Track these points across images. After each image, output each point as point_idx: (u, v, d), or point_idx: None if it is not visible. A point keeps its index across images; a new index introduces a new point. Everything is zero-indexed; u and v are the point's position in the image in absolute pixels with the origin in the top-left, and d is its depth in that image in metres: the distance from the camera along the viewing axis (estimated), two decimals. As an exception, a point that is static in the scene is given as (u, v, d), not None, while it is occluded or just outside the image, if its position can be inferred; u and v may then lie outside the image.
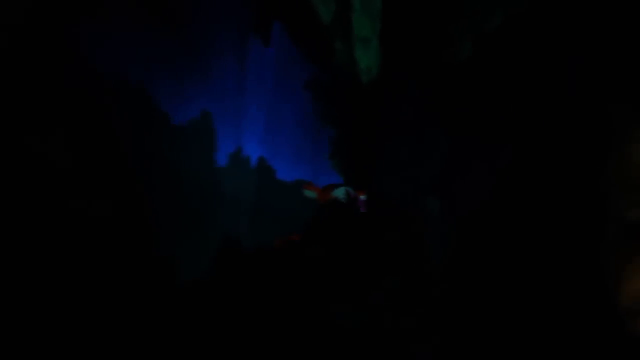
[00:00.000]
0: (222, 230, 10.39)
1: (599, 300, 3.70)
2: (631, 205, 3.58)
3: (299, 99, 13.38)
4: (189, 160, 8.53)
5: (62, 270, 4.30)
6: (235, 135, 13.05)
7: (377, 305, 4.91)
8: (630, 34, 4.11)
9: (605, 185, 4.00)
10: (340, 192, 6.55)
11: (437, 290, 5.11)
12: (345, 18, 7.21)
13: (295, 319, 5.21)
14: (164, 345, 4.96)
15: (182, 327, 5.26)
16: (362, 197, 6.40)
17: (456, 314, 4.88)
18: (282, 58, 13.43)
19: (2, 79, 3.81)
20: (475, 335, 4.63)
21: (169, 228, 7.58)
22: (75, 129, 4.63)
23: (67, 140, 4.52)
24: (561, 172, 4.30)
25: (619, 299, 3.47)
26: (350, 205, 6.50)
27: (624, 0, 4.05)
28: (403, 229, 5.73)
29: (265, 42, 13.70)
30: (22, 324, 3.89)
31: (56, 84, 4.46)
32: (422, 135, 6.15)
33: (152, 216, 6.04)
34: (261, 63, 14.03)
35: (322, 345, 4.82)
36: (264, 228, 12.39)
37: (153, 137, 6.69)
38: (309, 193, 7.03)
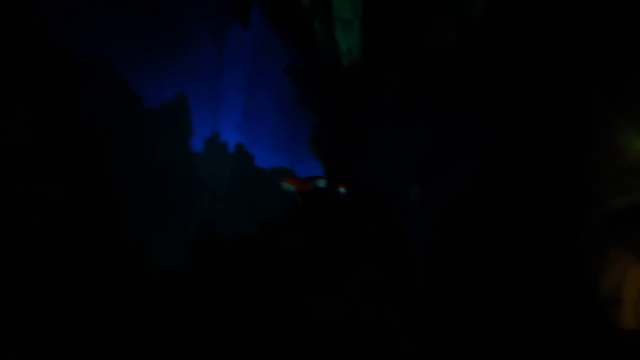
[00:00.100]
0: (198, 218, 10.18)
1: (581, 289, 3.68)
2: (613, 194, 3.49)
3: (278, 83, 13.13)
4: (164, 145, 8.28)
5: (17, 256, 4.05)
6: (212, 121, 12.74)
7: (358, 298, 4.83)
8: (612, 28, 4.06)
9: (589, 174, 3.91)
10: (320, 184, 6.43)
11: (419, 281, 5.07)
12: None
13: (273, 310, 5.08)
14: (135, 336, 4.77)
15: (155, 318, 5.07)
16: (342, 189, 6.29)
17: (439, 306, 4.85)
18: (261, 42, 13.10)
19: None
20: (457, 325, 4.61)
21: (141, 215, 7.35)
22: (37, 108, 4.35)
23: (27, 118, 4.24)
24: (545, 161, 4.28)
25: (599, 287, 3.38)
26: (330, 196, 6.38)
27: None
28: (384, 218, 5.65)
29: (244, 25, 13.31)
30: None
31: (17, 60, 4.17)
32: (405, 121, 6.05)
33: (122, 202, 5.81)
34: (240, 47, 13.68)
35: (301, 338, 4.72)
36: (242, 215, 12.17)
37: (124, 119, 6.44)
38: (287, 185, 6.88)
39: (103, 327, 4.79)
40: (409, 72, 6.09)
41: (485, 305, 4.59)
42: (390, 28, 6.24)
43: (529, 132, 4.49)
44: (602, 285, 3.49)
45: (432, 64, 5.70)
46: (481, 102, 5.16)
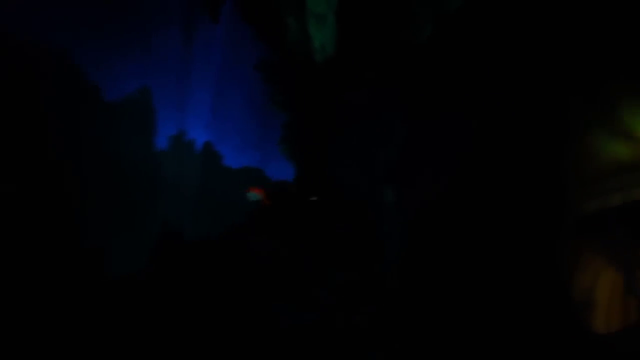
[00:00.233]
0: (161, 220, 9.86)
1: (555, 293, 3.66)
2: (586, 198, 3.45)
3: (248, 80, 12.89)
4: (125, 142, 7.92)
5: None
6: (178, 117, 12.36)
7: (328, 304, 4.71)
8: (588, 29, 4.08)
9: (564, 178, 3.88)
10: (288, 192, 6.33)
11: (394, 286, 4.98)
12: (300, -8, 6.84)
13: (236, 318, 4.91)
14: (85, 343, 4.52)
15: (110, 325, 4.83)
16: (313, 198, 6.19)
17: (411, 311, 4.78)
18: (232, 37, 12.82)
19: None
20: (432, 330, 4.56)
21: (98, 216, 6.99)
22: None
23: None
24: (521, 163, 4.27)
25: (572, 292, 3.31)
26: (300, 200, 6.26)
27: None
28: (357, 220, 5.55)
29: (215, 19, 13.00)
30: None
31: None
32: (380, 120, 5.97)
33: (77, 202, 5.48)
34: (209, 42, 13.35)
35: (265, 348, 4.56)
36: (209, 217, 11.89)
37: (81, 114, 6.09)
38: (253, 196, 6.74)
39: (44, 332, 4.49)
40: (385, 70, 6.02)
41: (460, 310, 4.55)
42: (365, 23, 6.16)
43: (505, 133, 4.47)
44: (575, 289, 3.47)
45: (408, 62, 5.64)
46: (457, 102, 5.13)
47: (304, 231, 5.38)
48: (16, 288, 4.44)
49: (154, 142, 11.54)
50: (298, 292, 4.87)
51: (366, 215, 5.48)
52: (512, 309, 4.15)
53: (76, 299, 5.00)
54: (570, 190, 3.57)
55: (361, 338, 4.49)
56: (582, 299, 3.45)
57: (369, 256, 5.19)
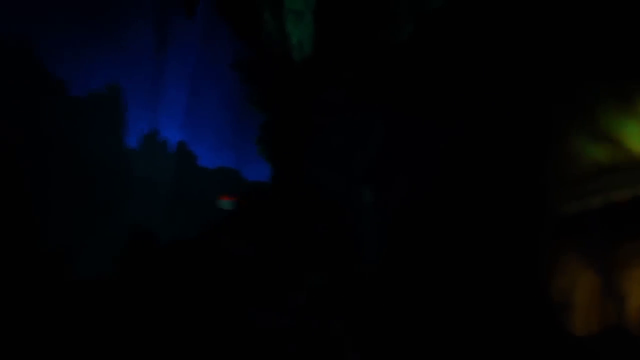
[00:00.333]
0: (132, 221, 9.55)
1: (534, 294, 3.64)
2: (566, 200, 3.41)
3: (225, 79, 12.70)
4: (92, 139, 7.61)
5: None
6: (151, 115, 12.10)
7: (303, 308, 4.57)
8: (569, 32, 4.08)
9: (544, 180, 3.84)
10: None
11: (371, 288, 4.89)
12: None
13: (209, 324, 4.72)
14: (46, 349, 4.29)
15: (69, 330, 4.59)
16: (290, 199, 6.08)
17: (390, 313, 4.70)
18: (208, 34, 12.61)
19: None
20: (410, 332, 4.49)
21: (64, 217, 6.69)
22: None
23: None
24: (502, 165, 4.25)
25: (551, 293, 3.26)
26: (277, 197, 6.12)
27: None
28: (334, 221, 5.44)
29: (190, 14, 12.76)
30: None
31: None
32: (358, 120, 5.89)
33: (37, 202, 5.20)
34: (185, 39, 13.11)
35: (239, 355, 4.40)
36: (183, 218, 11.61)
37: (44, 109, 5.79)
38: (226, 204, 6.58)
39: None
40: (363, 70, 5.94)
41: (440, 310, 4.51)
42: (344, 22, 6.07)
43: (486, 134, 4.45)
44: (554, 290, 3.46)
45: (387, 62, 5.57)
46: (437, 103, 5.09)
47: (280, 232, 5.23)
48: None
49: (124, 140, 11.20)
50: (274, 295, 4.72)
51: (344, 216, 5.38)
52: (491, 309, 4.13)
53: (31, 304, 4.73)
54: (551, 191, 3.56)
55: (338, 342, 4.37)
56: (561, 300, 3.45)
57: (346, 257, 5.08)
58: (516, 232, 4.13)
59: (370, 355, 4.55)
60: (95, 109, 8.01)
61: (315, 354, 4.53)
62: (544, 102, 4.08)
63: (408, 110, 5.34)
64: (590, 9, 3.94)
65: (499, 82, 4.50)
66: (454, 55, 4.98)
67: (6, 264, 4.82)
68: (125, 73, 10.01)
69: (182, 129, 13.56)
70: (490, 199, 4.47)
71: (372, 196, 5.54)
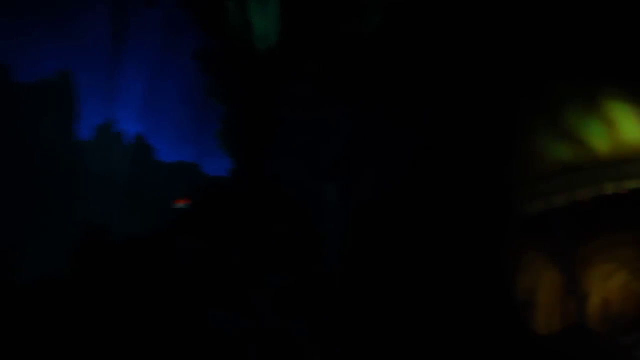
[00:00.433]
0: (85, 217, 9.12)
1: (497, 292, 3.65)
2: (529, 199, 3.40)
3: (186, 71, 12.29)
4: (40, 129, 7.14)
5: None
6: (106, 106, 11.55)
7: (264, 308, 4.44)
8: (534, 29, 4.10)
9: (509, 178, 3.82)
10: None
11: (334, 287, 4.80)
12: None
13: (165, 325, 4.52)
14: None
15: (16, 333, 4.33)
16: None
17: (352, 313, 4.62)
18: (170, 22, 12.15)
19: None
20: (374, 331, 4.44)
21: (7, 214, 6.26)
22: None
23: None
24: (467, 162, 4.25)
25: (514, 291, 3.24)
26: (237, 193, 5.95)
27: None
28: (296, 219, 5.32)
29: (151, 2, 12.23)
30: None
31: None
32: (322, 114, 5.78)
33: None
34: (144, 26, 12.59)
35: (199, 355, 4.23)
36: (140, 214, 11.19)
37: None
38: (180, 207, 6.37)
39: None
40: (330, 62, 5.82)
41: (403, 310, 4.48)
42: (309, 12, 5.93)
43: (451, 131, 4.44)
44: (517, 289, 3.48)
45: (354, 54, 5.48)
46: (403, 98, 5.05)
47: (241, 230, 5.07)
48: None
49: (75, 131, 10.60)
50: (233, 296, 4.56)
51: (307, 213, 5.26)
52: (455, 308, 4.14)
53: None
54: (515, 190, 3.57)
55: (298, 342, 4.26)
56: (524, 299, 3.48)
57: (308, 256, 4.98)
58: (481, 230, 4.14)
59: (330, 355, 4.48)
60: (45, 96, 7.52)
61: (276, 355, 4.41)
62: (509, 100, 4.10)
63: (374, 105, 5.27)
64: (555, 8, 3.97)
65: (464, 78, 4.50)
66: (419, 49, 4.94)
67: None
68: (78, 61, 9.50)
69: (140, 121, 13.10)
70: (454, 197, 4.47)
71: (336, 193, 5.46)
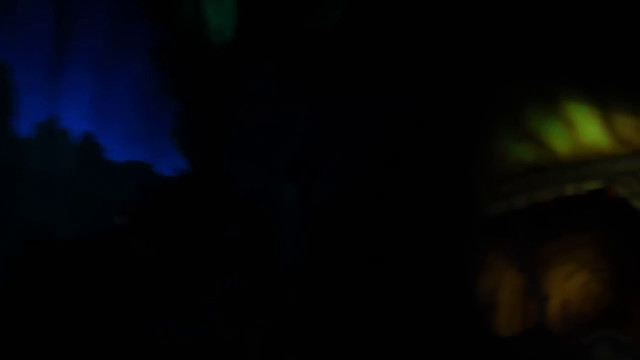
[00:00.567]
0: (26, 218, 8.62)
1: (459, 294, 3.62)
2: (491, 200, 3.35)
3: (137, 65, 11.77)
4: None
5: None
6: (48, 101, 10.87)
7: (215, 315, 4.25)
8: (498, 30, 4.13)
9: (471, 178, 3.77)
10: None
11: (292, 293, 4.66)
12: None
13: (108, 333, 4.26)
14: None
15: None
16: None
17: (311, 321, 4.50)
18: (119, 13, 11.59)
19: None
20: (334, 340, 4.34)
21: None
22: None
23: None
24: (430, 162, 4.23)
25: (476, 293, 3.16)
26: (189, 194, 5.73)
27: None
28: (251, 220, 5.15)
29: (98, -11, 11.62)
30: None
31: None
32: (281, 111, 5.64)
33: None
34: (92, 16, 11.93)
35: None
36: (86, 216, 10.64)
37: None
38: (120, 220, 6.12)
39: None
40: (288, 59, 5.68)
41: (365, 315, 4.40)
42: (267, 5, 5.78)
43: (414, 130, 4.41)
44: (479, 290, 3.46)
45: (314, 50, 5.38)
46: (364, 96, 4.98)
47: (192, 233, 4.85)
48: None
49: (13, 127, 9.93)
50: (181, 302, 4.34)
51: (263, 214, 5.10)
52: (417, 310, 4.13)
53: None
54: (477, 191, 3.55)
55: (254, 354, 4.09)
56: (486, 300, 3.47)
57: (264, 261, 4.82)
58: (442, 231, 4.12)
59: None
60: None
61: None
62: (471, 101, 4.10)
63: (335, 102, 5.20)
64: (515, 8, 4.01)
65: (427, 77, 4.48)
66: (381, 45, 4.90)
67: None
68: (16, 50, 8.86)
69: (88, 118, 12.48)
70: (416, 197, 4.44)
71: (294, 194, 5.32)
